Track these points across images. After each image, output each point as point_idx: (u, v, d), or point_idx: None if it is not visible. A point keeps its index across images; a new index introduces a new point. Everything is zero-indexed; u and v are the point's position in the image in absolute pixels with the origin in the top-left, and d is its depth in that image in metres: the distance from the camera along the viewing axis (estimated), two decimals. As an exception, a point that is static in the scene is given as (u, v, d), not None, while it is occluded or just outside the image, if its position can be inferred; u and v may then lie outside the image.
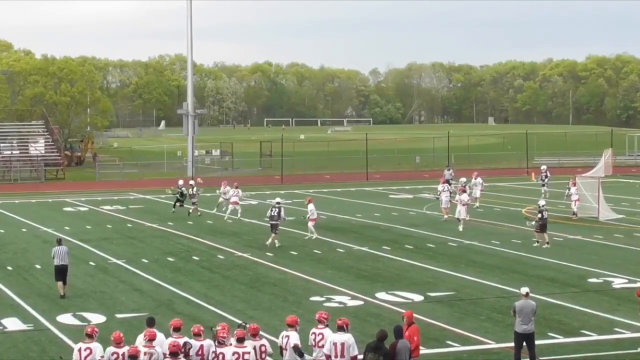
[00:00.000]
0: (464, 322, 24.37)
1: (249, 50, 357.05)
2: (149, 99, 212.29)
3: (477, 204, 49.16)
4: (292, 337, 17.40)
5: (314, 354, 17.56)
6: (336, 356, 17.10)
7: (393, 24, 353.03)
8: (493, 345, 22.20)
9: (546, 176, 54.29)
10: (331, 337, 17.28)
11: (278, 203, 38.58)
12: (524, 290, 20.60)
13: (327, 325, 17.59)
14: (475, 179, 50.76)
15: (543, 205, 37.71)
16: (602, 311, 25.44)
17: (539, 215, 37.15)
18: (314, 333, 17.60)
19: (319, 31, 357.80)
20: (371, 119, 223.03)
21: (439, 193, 47.12)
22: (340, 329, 17.38)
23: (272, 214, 37.67)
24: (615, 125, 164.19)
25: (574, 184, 46.15)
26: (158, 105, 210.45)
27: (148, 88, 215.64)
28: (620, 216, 45.51)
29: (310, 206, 39.56)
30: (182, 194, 48.94)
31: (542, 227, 36.99)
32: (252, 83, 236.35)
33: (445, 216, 45.14)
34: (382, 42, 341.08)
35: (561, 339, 22.69)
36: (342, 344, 17.15)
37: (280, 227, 38.13)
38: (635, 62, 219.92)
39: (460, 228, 40.85)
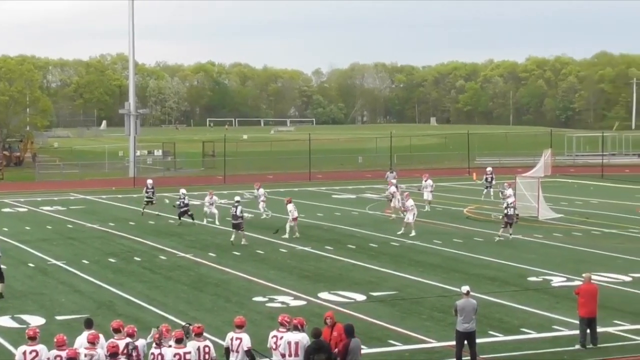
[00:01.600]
0: (405, 321, 24.52)
1: (191, 49, 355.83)
2: (90, 99, 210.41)
3: (427, 207, 49.11)
4: (245, 340, 17.33)
5: (274, 357, 17.50)
6: (290, 355, 17.12)
7: (336, 25, 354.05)
8: (435, 344, 22.37)
9: (492, 178, 54.09)
10: (286, 337, 17.30)
11: (238, 201, 38.51)
12: (465, 289, 20.78)
13: (288, 329, 17.52)
14: (426, 181, 50.54)
15: (511, 202, 39.45)
16: (541, 309, 25.75)
17: (505, 212, 38.94)
18: (275, 336, 17.51)
19: (262, 31, 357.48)
20: (314, 119, 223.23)
21: (390, 194, 47.26)
22: (296, 328, 17.40)
23: (234, 213, 37.86)
24: (554, 125, 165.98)
25: (509, 186, 46.66)
26: (99, 105, 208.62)
27: (89, 87, 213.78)
28: (559, 215, 46.08)
29: (290, 206, 39.64)
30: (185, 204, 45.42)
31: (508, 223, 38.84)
32: (194, 83, 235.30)
33: (393, 215, 45.38)
34: (325, 42, 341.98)
35: (501, 337, 22.93)
36: (297, 343, 17.18)
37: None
38: (573, 63, 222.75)
39: (413, 233, 40.32)
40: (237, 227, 37.95)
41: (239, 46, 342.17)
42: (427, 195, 49.82)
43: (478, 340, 20.67)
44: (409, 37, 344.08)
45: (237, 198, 39.68)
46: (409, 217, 40.75)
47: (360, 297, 27.60)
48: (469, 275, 30.73)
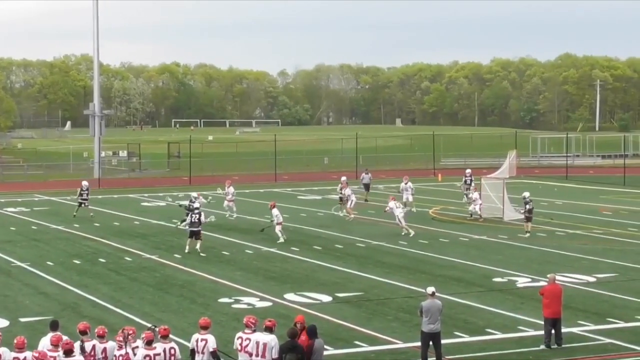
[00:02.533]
0: (371, 322, 24.57)
1: (156, 50, 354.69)
2: (54, 100, 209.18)
3: (414, 209, 48.50)
4: (210, 341, 17.28)
5: (240, 358, 17.46)
6: (257, 355, 17.11)
7: (301, 26, 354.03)
8: (400, 345, 22.43)
9: (471, 180, 53.44)
10: (255, 337, 17.28)
11: (197, 208, 37.51)
12: (430, 289, 20.84)
13: (254, 330, 17.48)
14: (406, 183, 49.62)
15: (528, 197, 40.72)
16: (506, 310, 25.89)
17: (527, 207, 40.32)
18: (241, 337, 17.45)
19: (227, 32, 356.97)
20: (280, 121, 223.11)
21: (346, 196, 46.94)
22: (268, 329, 17.38)
23: (193, 220, 36.20)
24: (519, 127, 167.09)
25: (475, 189, 46.87)
26: (64, 105, 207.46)
27: (53, 88, 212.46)
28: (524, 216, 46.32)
29: (274, 211, 39.01)
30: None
31: (528, 218, 40.36)
32: (159, 84, 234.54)
33: (351, 216, 45.44)
34: (291, 43, 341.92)
35: (467, 338, 23.03)
36: (265, 344, 17.16)
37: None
38: (537, 65, 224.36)
39: (412, 233, 40.45)
40: (196, 234, 36.27)
41: (204, 47, 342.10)
42: (408, 197, 48.80)
43: (443, 341, 20.75)
44: (374, 38, 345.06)
45: (197, 204, 38.65)
46: (402, 221, 40.67)
47: (326, 298, 27.62)
48: (435, 276, 30.84)
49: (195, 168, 73.45)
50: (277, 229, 38.84)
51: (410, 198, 49.14)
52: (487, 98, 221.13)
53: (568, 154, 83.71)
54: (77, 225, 44.53)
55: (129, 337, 16.88)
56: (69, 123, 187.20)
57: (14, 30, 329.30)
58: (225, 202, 47.45)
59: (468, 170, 55.18)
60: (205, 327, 17.50)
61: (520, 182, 63.50)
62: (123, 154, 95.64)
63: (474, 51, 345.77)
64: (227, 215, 46.78)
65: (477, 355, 21.75)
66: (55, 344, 16.53)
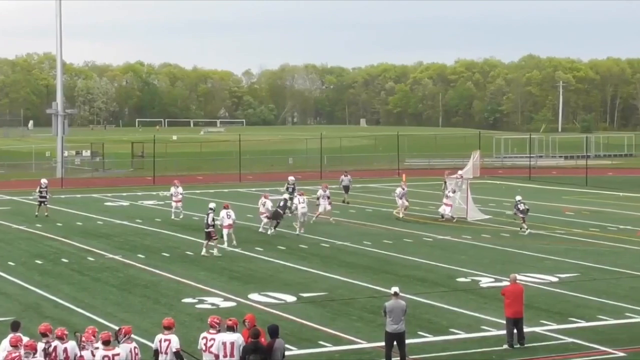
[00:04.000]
0: (335, 322, 24.59)
1: (120, 49, 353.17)
2: (16, 98, 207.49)
3: (331, 218, 46.59)
4: (174, 342, 17.19)
5: (205, 359, 17.40)
6: (225, 355, 17.07)
7: (266, 25, 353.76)
8: (365, 344, 22.46)
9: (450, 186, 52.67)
10: (220, 337, 17.24)
11: (211, 209, 35.93)
12: (394, 289, 20.89)
13: (219, 331, 17.42)
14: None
15: (520, 200, 41.91)
16: (469, 310, 26.00)
17: (520, 207, 41.42)
18: (205, 337, 17.39)
19: (192, 31, 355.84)
20: (244, 120, 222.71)
21: (317, 199, 46.44)
22: (230, 329, 17.34)
23: (209, 222, 35.20)
24: (483, 127, 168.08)
25: (454, 191, 46.92)
26: (26, 104, 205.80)
27: (15, 87, 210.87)
28: (488, 217, 46.57)
29: (222, 212, 37.14)
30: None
31: (523, 218, 41.51)
32: (123, 83, 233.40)
33: (331, 219, 45.09)
34: (255, 43, 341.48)
35: (430, 338, 23.10)
36: (232, 344, 17.13)
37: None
38: (501, 66, 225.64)
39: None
40: (209, 235, 35.42)
41: (169, 46, 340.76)
42: (402, 202, 47.42)
43: (407, 341, 20.80)
44: (339, 38, 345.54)
45: (211, 205, 36.95)
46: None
47: (291, 298, 27.62)
48: (399, 277, 30.91)
49: (159, 168, 73.15)
50: (225, 231, 37.01)
51: (406, 202, 47.73)
52: (451, 99, 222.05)
53: (531, 155, 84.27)
54: (39, 225, 44.21)
55: (82, 338, 16.77)
56: (31, 122, 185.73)
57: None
58: (173, 203, 46.85)
59: (447, 172, 53.66)
60: (168, 328, 17.42)
61: (484, 182, 63.82)
62: (86, 153, 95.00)
63: (438, 52, 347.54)
64: (172, 217, 46.35)
65: (441, 355, 21.83)
66: (14, 345, 16.37)
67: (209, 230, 35.16)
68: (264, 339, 17.44)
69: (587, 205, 53.01)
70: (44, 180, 48.59)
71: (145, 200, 56.40)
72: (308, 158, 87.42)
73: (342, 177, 56.63)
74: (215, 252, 35.44)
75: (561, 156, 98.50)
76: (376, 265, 33.46)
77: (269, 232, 40.81)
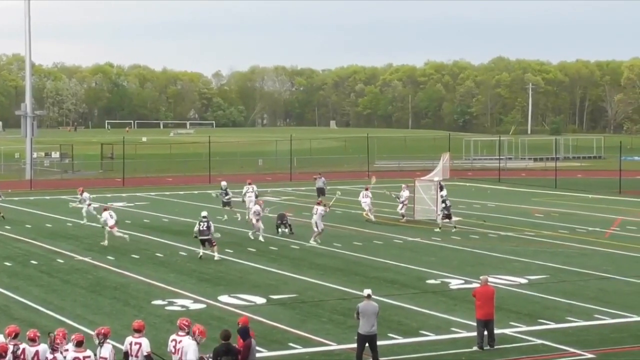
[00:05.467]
0: (305, 324, 24.59)
1: (89, 51, 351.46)
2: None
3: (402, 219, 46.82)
4: (145, 345, 17.14)
5: None
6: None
7: (236, 27, 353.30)
8: (335, 346, 22.47)
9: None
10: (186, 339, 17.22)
11: (205, 217, 35.59)
12: (367, 292, 20.91)
13: (187, 333, 17.37)
14: (403, 191, 47.38)
15: (445, 196, 42.81)
16: (439, 311, 26.08)
17: (443, 205, 42.00)
18: (175, 340, 17.34)
19: (162, 33, 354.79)
20: (214, 122, 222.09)
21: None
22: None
23: (201, 228, 35.00)
24: (452, 129, 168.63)
25: (407, 187, 47.12)
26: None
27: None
28: (457, 219, 46.71)
29: (105, 214, 38.29)
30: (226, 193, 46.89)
31: (448, 215, 42.41)
32: (92, 84, 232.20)
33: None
34: (225, 44, 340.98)
35: (401, 340, 23.14)
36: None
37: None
38: (471, 68, 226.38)
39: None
40: (205, 242, 35.17)
41: (138, 48, 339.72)
42: (401, 208, 46.86)
43: (378, 343, 20.82)
44: (308, 40, 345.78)
45: (204, 213, 36.42)
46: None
47: (260, 300, 27.60)
48: (369, 278, 30.96)
49: (129, 169, 72.90)
50: (114, 231, 37.80)
51: (404, 209, 47.01)
52: (421, 101, 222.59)
53: (501, 157, 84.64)
54: (8, 227, 43.92)
55: (56, 339, 16.71)
56: (0, 123, 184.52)
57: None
58: (85, 208, 45.51)
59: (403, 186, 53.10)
60: (138, 330, 17.36)
61: (454, 184, 64.07)
62: (55, 155, 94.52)
63: (408, 54, 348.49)
64: (82, 222, 45.10)
65: (411, 356, 21.88)
66: None
67: (204, 237, 34.85)
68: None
69: (556, 207, 53.31)
70: None
71: (115, 202, 56.17)
72: (278, 160, 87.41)
73: (316, 178, 56.38)
74: (216, 255, 34.94)
75: (530, 158, 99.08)
76: (346, 267, 33.49)
77: (252, 236, 40.39)
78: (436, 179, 48.52)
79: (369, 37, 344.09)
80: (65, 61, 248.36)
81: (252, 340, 17.64)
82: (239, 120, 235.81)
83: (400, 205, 46.99)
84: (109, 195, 59.88)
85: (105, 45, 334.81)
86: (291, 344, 22.63)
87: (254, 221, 39.82)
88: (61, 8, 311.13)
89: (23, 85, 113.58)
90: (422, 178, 50.83)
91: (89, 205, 45.68)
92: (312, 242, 38.42)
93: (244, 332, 17.63)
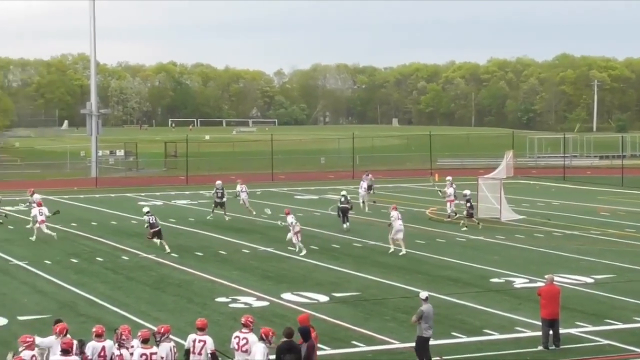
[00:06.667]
0: (368, 322, 24.55)
1: (153, 50, 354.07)
2: (51, 99, 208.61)
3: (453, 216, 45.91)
4: (209, 343, 17.24)
5: (237, 358, 17.39)
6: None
7: (298, 25, 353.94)
8: (398, 345, 22.41)
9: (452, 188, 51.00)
10: (252, 336, 17.32)
11: (149, 212, 37.33)
12: (424, 294, 20.63)
13: (252, 330, 17.46)
14: (448, 188, 46.55)
15: (469, 195, 42.39)
16: (503, 310, 25.88)
17: (469, 205, 42.08)
18: (238, 337, 17.39)
19: (224, 32, 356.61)
20: (276, 120, 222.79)
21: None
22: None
23: (152, 221, 36.71)
24: (516, 127, 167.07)
25: (452, 184, 46.75)
26: (61, 104, 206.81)
27: (50, 87, 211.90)
28: (521, 217, 46.35)
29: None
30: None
31: (471, 214, 42.36)
32: (156, 83, 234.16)
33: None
34: (287, 43, 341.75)
35: (464, 339, 23.01)
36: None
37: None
38: (535, 65, 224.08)
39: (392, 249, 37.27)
40: (158, 234, 36.81)
41: (201, 46, 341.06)
42: (451, 206, 45.89)
43: (441, 341, 20.77)
44: (371, 38, 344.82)
45: (146, 209, 38.18)
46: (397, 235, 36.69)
47: (323, 298, 27.61)
48: (432, 277, 30.84)
49: (192, 167, 73.42)
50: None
51: (453, 207, 46.08)
52: (484, 98, 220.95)
53: (565, 155, 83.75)
54: (74, 224, 44.47)
55: (122, 335, 16.87)
56: (66, 122, 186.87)
57: (11, 30, 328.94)
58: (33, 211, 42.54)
59: (449, 178, 52.54)
60: (202, 329, 17.44)
61: (517, 182, 63.54)
62: (120, 153, 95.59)
63: (470, 51, 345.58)
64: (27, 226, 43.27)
65: (474, 355, 21.74)
66: (66, 350, 16.25)
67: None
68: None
69: (623, 206, 52.62)
70: None
71: (179, 199, 56.61)
72: (340, 158, 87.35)
73: (364, 177, 56.25)
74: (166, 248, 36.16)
75: (596, 156, 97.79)
76: (409, 265, 33.38)
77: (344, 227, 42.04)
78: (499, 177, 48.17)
79: (431, 34, 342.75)
80: (129, 60, 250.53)
81: (312, 343, 17.61)
82: (301, 118, 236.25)
83: (449, 203, 46.34)
84: (172, 192, 60.37)
85: (169, 44, 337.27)
86: (354, 342, 22.62)
87: (293, 239, 36.21)
88: (125, 8, 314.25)
89: (88, 84, 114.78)
90: (485, 176, 50.45)
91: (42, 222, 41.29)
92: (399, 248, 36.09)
93: (305, 333, 17.62)
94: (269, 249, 36.65)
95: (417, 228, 42.92)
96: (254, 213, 46.98)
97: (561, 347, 21.97)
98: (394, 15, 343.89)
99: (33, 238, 39.08)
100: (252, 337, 17.27)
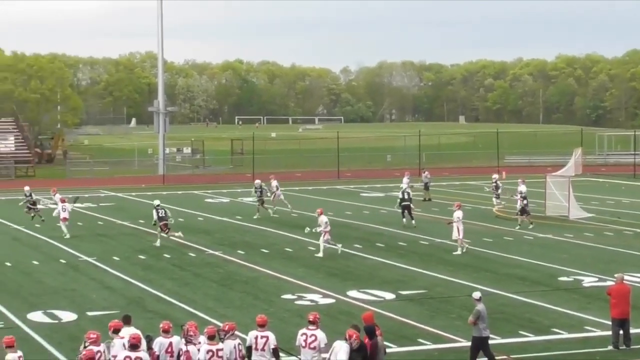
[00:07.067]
0: (435, 320, 24.42)
1: (219, 48, 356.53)
2: (119, 97, 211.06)
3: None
4: (272, 339, 17.32)
5: (303, 355, 17.44)
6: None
7: (364, 23, 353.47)
8: (464, 343, 22.18)
9: (497, 186, 49.58)
10: (319, 333, 17.41)
11: (159, 205, 37.95)
12: (478, 295, 20.33)
13: (318, 327, 17.50)
14: (520, 186, 44.55)
15: (524, 192, 41.89)
16: (572, 309, 25.56)
17: (525, 202, 41.81)
18: (305, 334, 17.43)
19: (290, 29, 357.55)
20: (342, 118, 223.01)
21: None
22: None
23: (161, 215, 37.53)
24: (585, 124, 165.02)
25: (524, 182, 46.16)
26: (129, 102, 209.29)
27: (118, 85, 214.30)
28: (590, 215, 45.76)
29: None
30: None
31: (523, 211, 41.95)
32: (223, 81, 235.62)
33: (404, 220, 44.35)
34: (353, 40, 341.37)
35: (532, 337, 22.78)
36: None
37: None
38: (604, 61, 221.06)
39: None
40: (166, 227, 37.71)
41: (267, 44, 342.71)
42: (519, 203, 43.91)
43: (509, 340, 20.58)
44: (437, 35, 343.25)
45: (157, 202, 38.61)
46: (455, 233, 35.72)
47: (389, 296, 27.53)
48: (499, 275, 30.59)
49: (259, 165, 73.70)
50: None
51: (520, 204, 44.15)
52: (552, 95, 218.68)
53: (636, 152, 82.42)
54: (142, 221, 44.87)
55: (189, 331, 16.97)
56: (134, 120, 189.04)
57: (80, 29, 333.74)
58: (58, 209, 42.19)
59: (495, 176, 51.11)
60: (262, 325, 17.48)
61: (586, 180, 62.75)
62: (187, 150, 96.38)
63: (538, 48, 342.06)
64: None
65: (542, 354, 21.50)
66: (134, 345, 16.43)
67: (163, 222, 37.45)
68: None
69: (694, 204, 51.66)
70: (26, 188, 45.28)
71: (245, 197, 56.87)
72: (406, 155, 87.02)
73: (423, 175, 56.05)
74: (158, 243, 37.25)
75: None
76: (476, 263, 33.15)
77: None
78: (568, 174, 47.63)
79: (498, 31, 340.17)
80: (196, 58, 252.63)
81: (379, 340, 17.56)
82: (367, 115, 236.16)
83: (519, 202, 45.55)
84: (239, 190, 60.62)
85: (235, 42, 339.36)
86: (420, 340, 22.52)
87: (325, 241, 34.78)
88: (192, 6, 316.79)
89: (156, 82, 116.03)
90: (553, 174, 49.91)
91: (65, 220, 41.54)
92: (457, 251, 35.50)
93: (371, 331, 17.59)
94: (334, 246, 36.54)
95: (484, 226, 42.61)
96: (290, 207, 47.66)
97: (632, 347, 21.63)
98: (461, 11, 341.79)
99: (68, 236, 39.69)
100: (321, 335, 17.29)
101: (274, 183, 48.52)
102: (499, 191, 49.33)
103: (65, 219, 40.14)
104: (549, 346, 22.07)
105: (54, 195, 44.06)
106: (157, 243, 37.27)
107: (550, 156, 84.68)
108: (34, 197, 45.17)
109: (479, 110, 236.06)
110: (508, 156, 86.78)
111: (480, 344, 19.98)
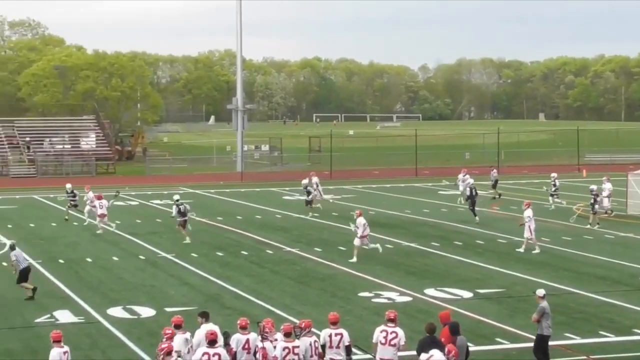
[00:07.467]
0: (513, 320, 24.19)
1: (298, 45, 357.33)
2: (198, 94, 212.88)
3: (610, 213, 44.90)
4: (346, 336, 17.36)
5: (382, 353, 17.37)
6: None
7: (442, 20, 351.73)
8: (543, 343, 21.98)
9: (554, 185, 49.08)
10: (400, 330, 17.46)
11: (178, 200, 38.83)
12: (542, 292, 20.05)
13: (397, 325, 17.51)
14: (605, 184, 44.68)
15: (595, 189, 41.63)
16: (655, 310, 25.15)
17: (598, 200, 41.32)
18: (385, 331, 17.40)
19: (368, 27, 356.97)
20: (420, 115, 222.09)
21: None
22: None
23: (181, 210, 38.19)
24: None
25: (609, 180, 45.39)
26: (207, 100, 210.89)
27: (197, 83, 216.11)
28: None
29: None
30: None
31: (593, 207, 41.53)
32: (301, 78, 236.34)
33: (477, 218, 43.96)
34: (432, 37, 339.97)
35: (612, 338, 22.44)
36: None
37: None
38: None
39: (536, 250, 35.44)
40: (186, 223, 38.35)
41: (345, 42, 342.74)
42: (604, 202, 44.05)
43: (589, 340, 20.30)
44: (516, 32, 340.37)
45: (176, 197, 39.77)
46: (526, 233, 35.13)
47: (467, 294, 27.35)
48: (579, 274, 30.19)
49: (336, 162, 73.79)
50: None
51: (608, 203, 44.61)
52: (635, 92, 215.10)
53: None
54: (220, 218, 45.24)
55: (265, 328, 17.04)
56: (212, 117, 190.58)
57: (160, 27, 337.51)
58: (87, 207, 43.29)
59: (553, 174, 50.34)
60: (335, 323, 17.51)
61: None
62: (265, 148, 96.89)
63: (620, 44, 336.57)
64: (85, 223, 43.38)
65: (623, 355, 21.17)
66: (212, 341, 16.62)
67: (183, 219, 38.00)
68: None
69: None
70: (68, 186, 46.09)
71: (323, 194, 56.92)
72: (485, 153, 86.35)
73: (492, 172, 55.55)
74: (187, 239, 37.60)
75: None
76: (555, 262, 32.76)
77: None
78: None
79: (579, 27, 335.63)
80: (275, 56, 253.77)
81: (461, 339, 17.48)
82: (445, 113, 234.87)
83: (606, 200, 44.92)
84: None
85: (313, 39, 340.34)
86: (498, 339, 22.33)
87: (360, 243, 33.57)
88: (271, 5, 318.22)
89: (234, 79, 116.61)
90: (635, 172, 49.10)
91: (93, 205, 42.40)
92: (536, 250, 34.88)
93: (455, 329, 17.50)
94: (412, 244, 36.40)
95: (563, 224, 42.09)
96: (331, 200, 48.31)
97: None
98: (541, 8, 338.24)
99: (100, 231, 40.45)
100: (401, 332, 17.30)
101: (315, 180, 48.74)
102: (555, 189, 48.75)
103: (103, 215, 40.73)
104: (630, 347, 21.72)
105: (88, 192, 43.88)
106: (187, 240, 37.53)
107: (632, 154, 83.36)
108: (77, 195, 45.48)
109: (559, 107, 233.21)
110: (589, 154, 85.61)
111: (542, 342, 19.81)
